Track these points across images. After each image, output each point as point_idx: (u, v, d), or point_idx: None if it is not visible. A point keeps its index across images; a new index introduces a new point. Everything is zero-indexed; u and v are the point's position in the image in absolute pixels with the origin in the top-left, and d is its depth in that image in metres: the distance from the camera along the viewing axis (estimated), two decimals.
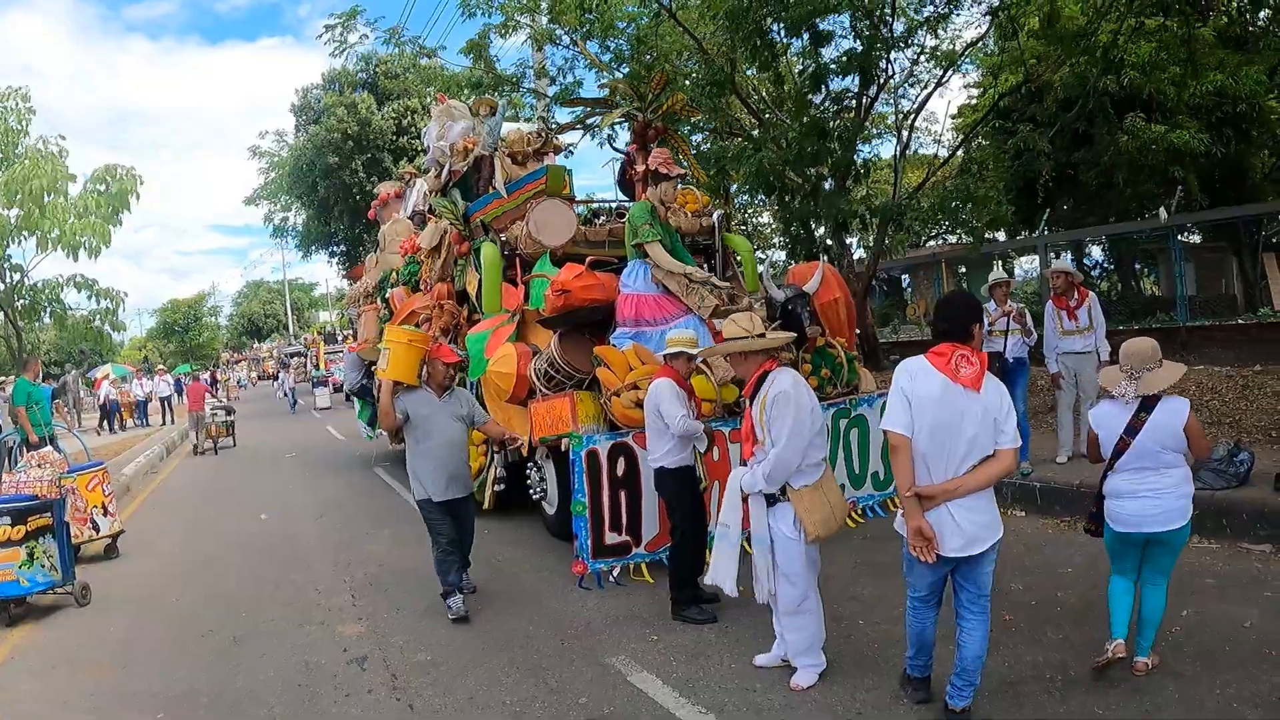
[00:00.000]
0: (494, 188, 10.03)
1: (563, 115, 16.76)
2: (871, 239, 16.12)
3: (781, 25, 12.41)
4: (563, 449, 7.29)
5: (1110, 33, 13.65)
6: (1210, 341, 15.47)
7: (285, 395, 33.64)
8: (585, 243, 9.15)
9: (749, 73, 16.62)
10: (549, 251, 8.79)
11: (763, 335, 5.08)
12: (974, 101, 22.89)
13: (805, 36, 13.09)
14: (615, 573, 7.05)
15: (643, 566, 7.14)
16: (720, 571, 5.18)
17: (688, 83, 14.68)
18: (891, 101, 20.72)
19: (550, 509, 8.67)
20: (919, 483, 4.09)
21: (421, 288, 11.51)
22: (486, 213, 9.51)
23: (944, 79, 17.07)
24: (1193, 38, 14.78)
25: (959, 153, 19.84)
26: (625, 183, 10.37)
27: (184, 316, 70.42)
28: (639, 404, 7.09)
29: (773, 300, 8.40)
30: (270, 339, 68.47)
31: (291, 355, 52.10)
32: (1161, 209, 17.68)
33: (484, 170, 10.19)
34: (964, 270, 29.87)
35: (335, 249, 36.85)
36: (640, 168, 8.57)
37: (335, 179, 29.87)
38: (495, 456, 9.49)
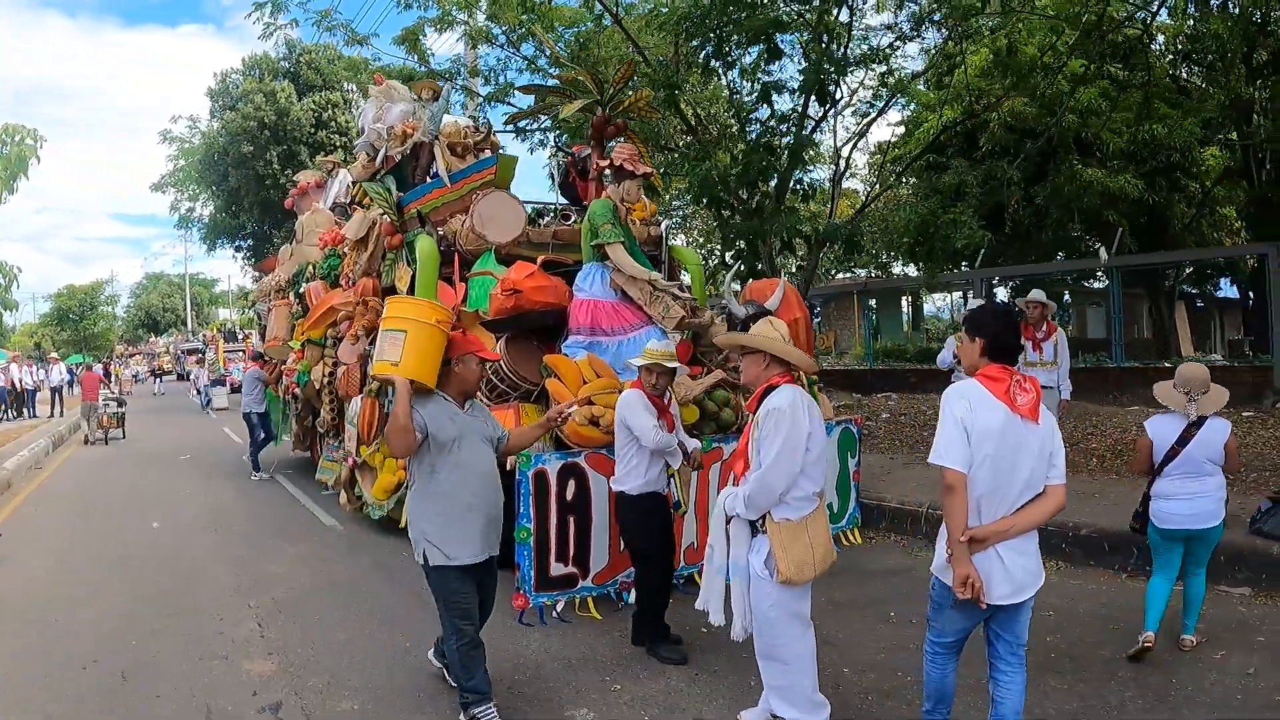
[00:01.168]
0: (434, 175, 9.24)
1: (515, 103, 16.02)
2: (805, 261, 15.77)
3: (741, 35, 11.88)
4: (507, 468, 6.53)
5: (1056, 72, 13.74)
6: (1143, 383, 15.28)
7: (199, 394, 31.82)
8: (528, 244, 8.40)
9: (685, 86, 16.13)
10: (493, 249, 8.02)
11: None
12: (893, 139, 22.46)
13: (757, 49, 12.63)
14: (559, 607, 6.30)
15: (589, 601, 6.40)
16: (706, 596, 4.53)
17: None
18: (830, 128, 20.54)
19: None
20: (969, 524, 3.51)
21: (342, 283, 10.62)
22: (424, 203, 8.70)
23: (886, 107, 16.99)
24: (1150, 83, 14.94)
25: (901, 182, 19.61)
26: (566, 185, 9.69)
27: (79, 304, 66.69)
28: (593, 421, 6.48)
29: (733, 315, 7.78)
30: (168, 334, 65.50)
31: (189, 352, 49.86)
32: (1102, 250, 17.80)
33: (422, 158, 9.39)
34: (873, 303, 30.10)
35: (242, 243, 35.21)
36: (600, 164, 7.92)
37: (248, 169, 28.44)
38: None
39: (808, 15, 12.36)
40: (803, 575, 4.10)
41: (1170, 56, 17.91)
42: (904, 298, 30.49)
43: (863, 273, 31.06)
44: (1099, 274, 20.28)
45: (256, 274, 35.44)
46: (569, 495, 6.35)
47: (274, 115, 28.37)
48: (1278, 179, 18.92)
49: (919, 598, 4.75)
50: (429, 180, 9.19)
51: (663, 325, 7.41)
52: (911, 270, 24.18)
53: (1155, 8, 12.81)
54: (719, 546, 4.46)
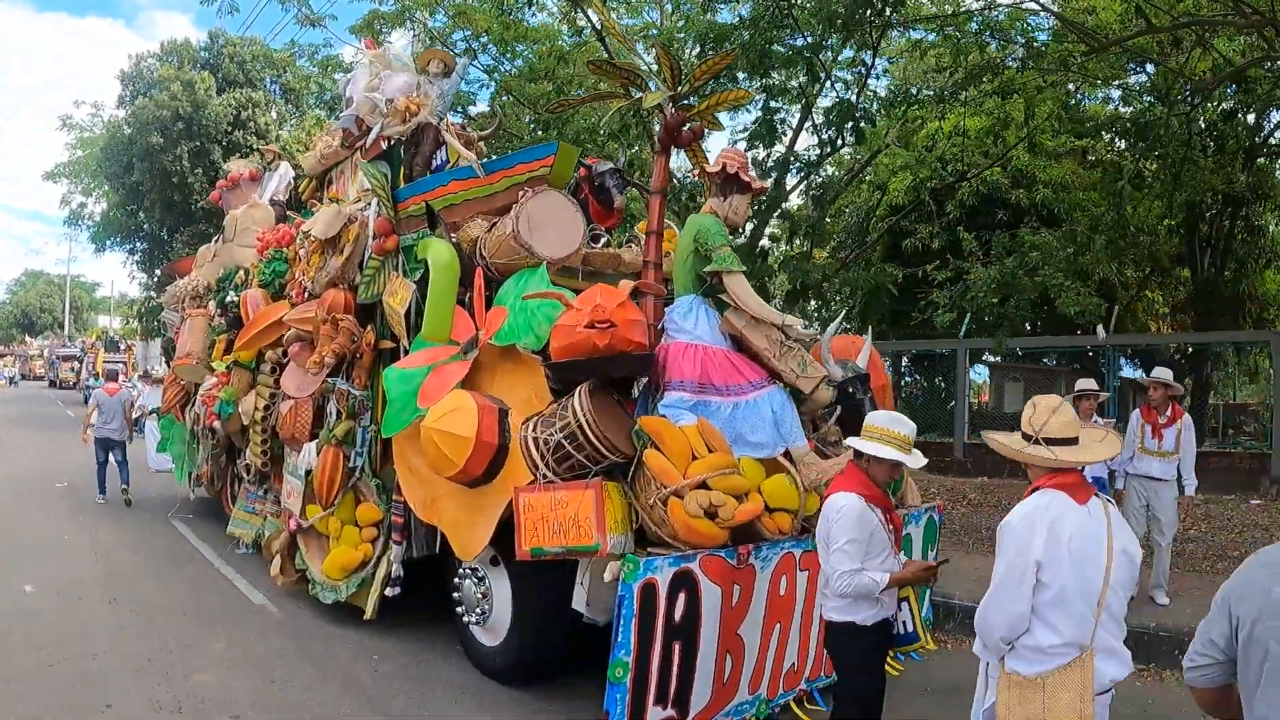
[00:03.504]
0: (437, 168, 7.27)
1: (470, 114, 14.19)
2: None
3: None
4: (610, 577, 4.61)
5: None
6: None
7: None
8: (580, 269, 6.54)
9: None
10: (541, 266, 6.03)
11: None
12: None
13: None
14: None
15: None
16: None
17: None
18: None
19: (490, 637, 5.98)
20: None
21: (293, 293, 8.47)
22: (438, 197, 6.67)
23: (870, 161, 16.15)
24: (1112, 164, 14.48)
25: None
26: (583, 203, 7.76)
27: None
28: (709, 512, 4.64)
29: (829, 379, 6.04)
30: (43, 336, 60.63)
31: (64, 358, 45.80)
32: (1099, 328, 17.04)
33: (424, 145, 7.39)
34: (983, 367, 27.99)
35: (136, 245, 32.00)
36: (709, 171, 6.08)
37: (154, 162, 25.54)
38: (393, 548, 6.62)
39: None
40: None
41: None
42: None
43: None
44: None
45: (150, 281, 32.37)
46: (677, 614, 4.59)
47: (190, 107, 25.64)
48: (1219, 267, 18.68)
49: None
50: (439, 169, 7.23)
51: (796, 384, 5.79)
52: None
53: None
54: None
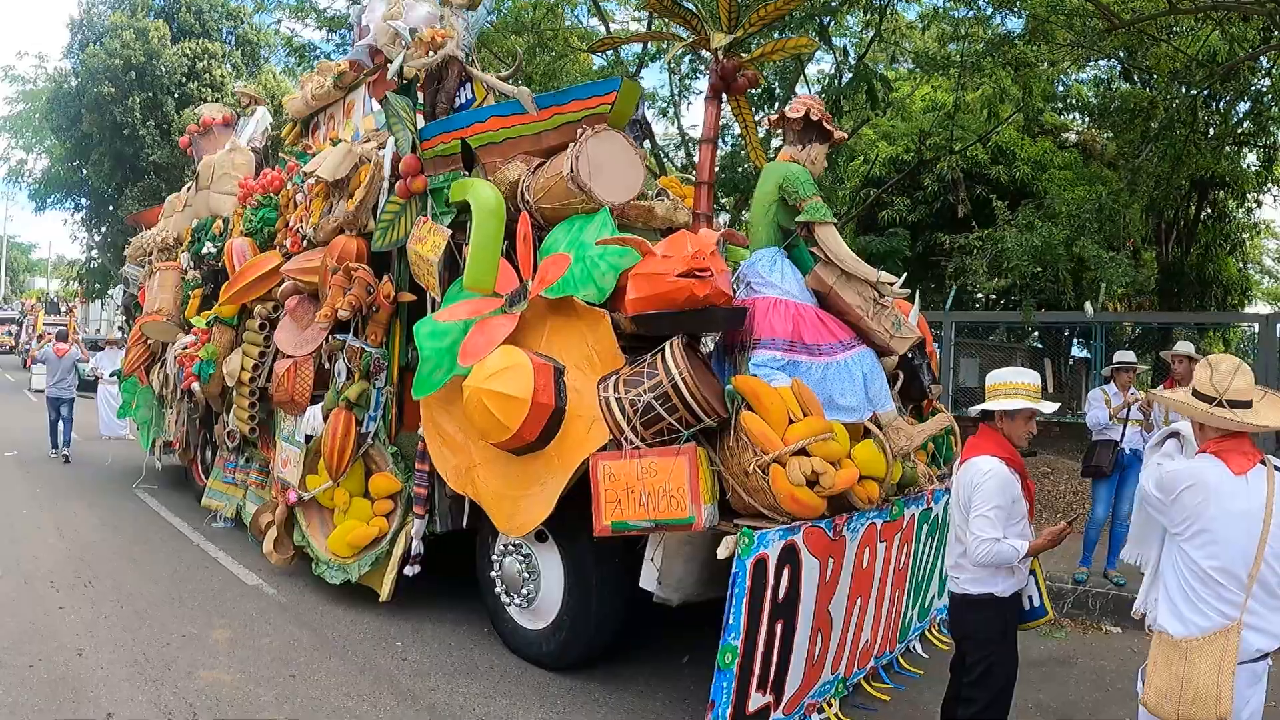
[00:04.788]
0: (460, 107, 6.52)
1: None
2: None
3: None
4: (726, 552, 4.01)
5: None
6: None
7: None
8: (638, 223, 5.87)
9: None
10: (601, 211, 5.33)
11: None
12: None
13: None
14: None
15: None
16: None
17: None
18: None
19: (535, 620, 5.41)
20: None
21: (287, 242, 7.65)
22: (476, 134, 5.87)
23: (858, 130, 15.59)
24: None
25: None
26: None
27: None
28: (810, 481, 4.14)
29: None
30: None
31: (1, 321, 43.84)
32: (1087, 304, 16.77)
33: (448, 80, 6.62)
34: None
35: (80, 202, 30.37)
36: (789, 116, 5.46)
37: (104, 113, 24.05)
38: (414, 522, 5.92)
39: None
40: (1160, 711, 3.13)
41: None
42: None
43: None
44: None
45: (92, 240, 30.81)
46: (781, 591, 4.12)
47: (143, 56, 24.20)
48: (1184, 251, 18.78)
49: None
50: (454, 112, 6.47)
51: (888, 347, 5.33)
52: None
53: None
54: None
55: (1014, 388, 3.89)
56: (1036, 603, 4.17)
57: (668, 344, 4.50)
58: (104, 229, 28.65)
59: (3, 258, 57.47)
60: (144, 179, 25.18)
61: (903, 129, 16.51)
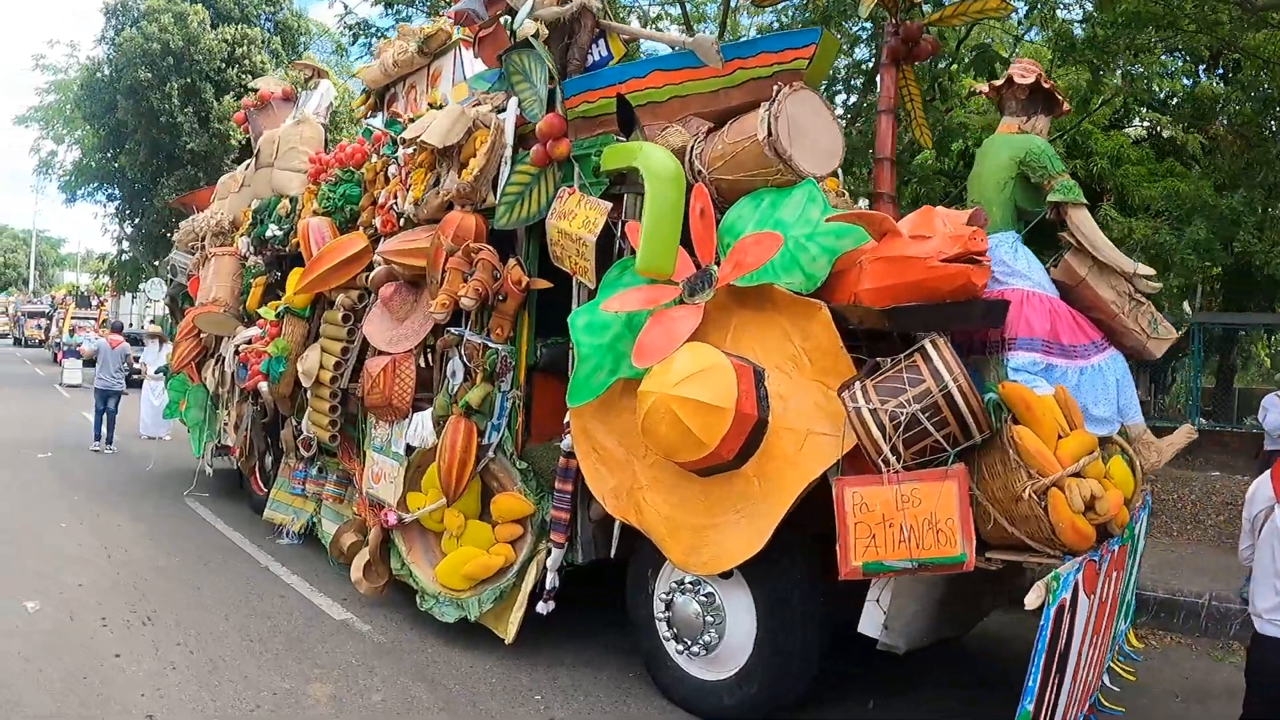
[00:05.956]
0: (593, 65, 5.49)
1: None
2: None
3: None
4: (1037, 600, 3.23)
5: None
6: (1221, 448, 13.88)
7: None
8: None
9: None
10: (810, 182, 4.32)
11: None
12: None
13: None
14: None
15: None
16: None
17: None
18: None
19: (713, 670, 4.49)
20: None
21: (376, 221, 6.62)
22: (635, 91, 4.84)
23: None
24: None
25: None
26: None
27: None
28: (1089, 505, 3.60)
29: None
30: (7, 292, 57.68)
31: (31, 314, 43.31)
32: (1185, 304, 15.75)
33: (581, 34, 5.59)
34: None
35: (114, 192, 29.53)
36: (1018, 82, 4.76)
37: (141, 100, 23.26)
38: (552, 552, 4.89)
39: None
40: None
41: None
42: None
43: None
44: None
45: (123, 232, 29.99)
46: (1062, 637, 3.46)
47: (181, 41, 23.38)
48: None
49: None
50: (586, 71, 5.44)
51: (1144, 349, 4.58)
52: None
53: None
54: None
55: None
56: None
57: (929, 343, 3.65)
58: (137, 220, 27.85)
59: (33, 251, 57.07)
60: (181, 168, 24.43)
61: (979, 122, 15.52)
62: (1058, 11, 10.96)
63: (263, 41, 26.33)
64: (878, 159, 5.15)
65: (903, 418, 3.47)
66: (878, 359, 3.77)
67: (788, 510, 3.92)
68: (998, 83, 4.96)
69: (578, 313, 4.65)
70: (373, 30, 15.10)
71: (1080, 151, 15.25)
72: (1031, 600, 3.22)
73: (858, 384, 3.61)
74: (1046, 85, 4.76)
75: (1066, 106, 5.09)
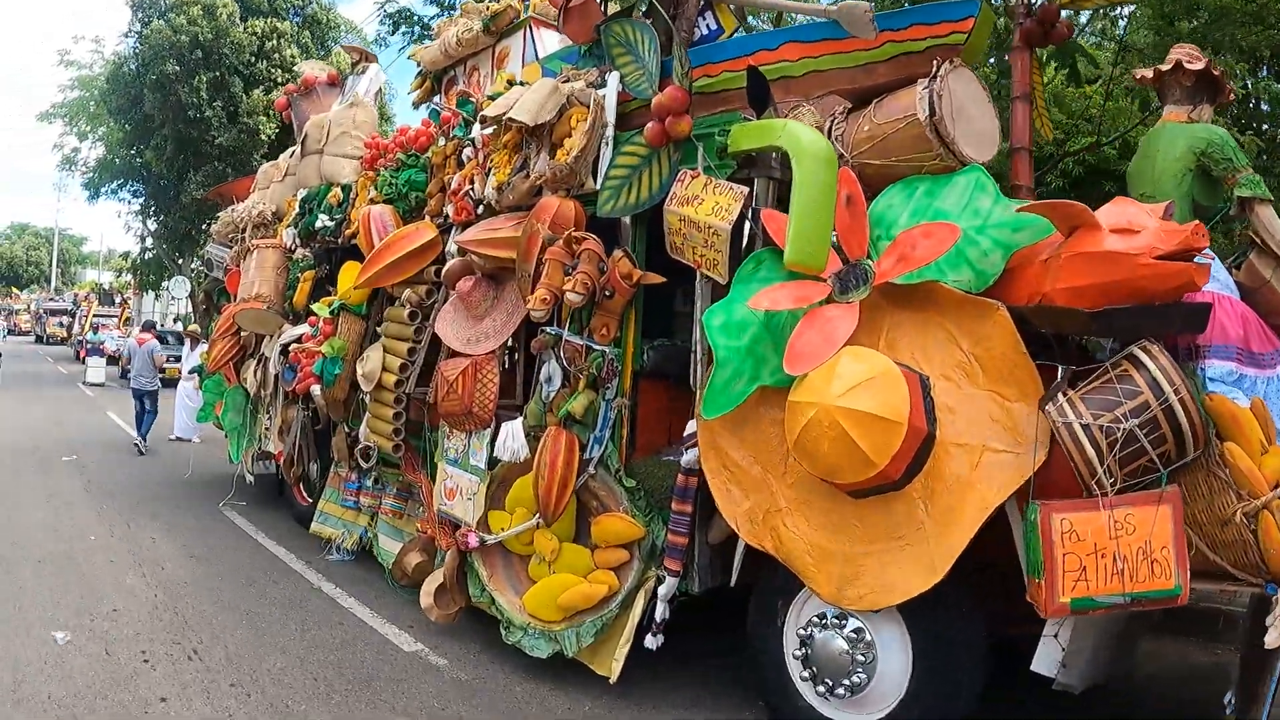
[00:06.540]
0: (702, 37, 4.91)
1: None
2: None
3: None
4: (1272, 640, 2.90)
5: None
6: None
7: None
8: None
9: None
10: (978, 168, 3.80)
11: None
12: None
13: None
14: None
15: None
16: None
17: None
18: None
19: (856, 713, 3.92)
20: None
21: (447, 209, 6.04)
22: (767, 64, 4.24)
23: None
24: None
25: None
26: None
27: None
28: None
29: None
30: (29, 289, 57.71)
31: (53, 312, 43.11)
32: None
33: (688, 6, 5.03)
34: None
35: (139, 188, 29.10)
36: (1188, 68, 4.42)
37: (169, 93, 22.80)
38: (666, 580, 4.28)
39: None
40: None
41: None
42: None
43: None
44: None
45: (147, 230, 29.58)
46: None
47: (211, 34, 22.94)
48: None
49: None
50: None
51: None
52: None
53: None
54: None
55: None
56: None
57: (1142, 351, 3.20)
58: (162, 217, 27.41)
59: (55, 249, 56.94)
60: (208, 164, 23.97)
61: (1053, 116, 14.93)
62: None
63: (292, 35, 25.89)
64: (1014, 149, 4.70)
65: (1119, 434, 3.02)
66: (1072, 367, 3.27)
67: (970, 538, 3.33)
68: (1164, 68, 4.52)
69: (712, 311, 4.02)
70: (415, 20, 14.58)
71: (1131, 152, 14.74)
72: (1272, 640, 2.98)
73: (1061, 398, 3.12)
74: (1216, 72, 4.45)
75: (1231, 95, 4.66)
